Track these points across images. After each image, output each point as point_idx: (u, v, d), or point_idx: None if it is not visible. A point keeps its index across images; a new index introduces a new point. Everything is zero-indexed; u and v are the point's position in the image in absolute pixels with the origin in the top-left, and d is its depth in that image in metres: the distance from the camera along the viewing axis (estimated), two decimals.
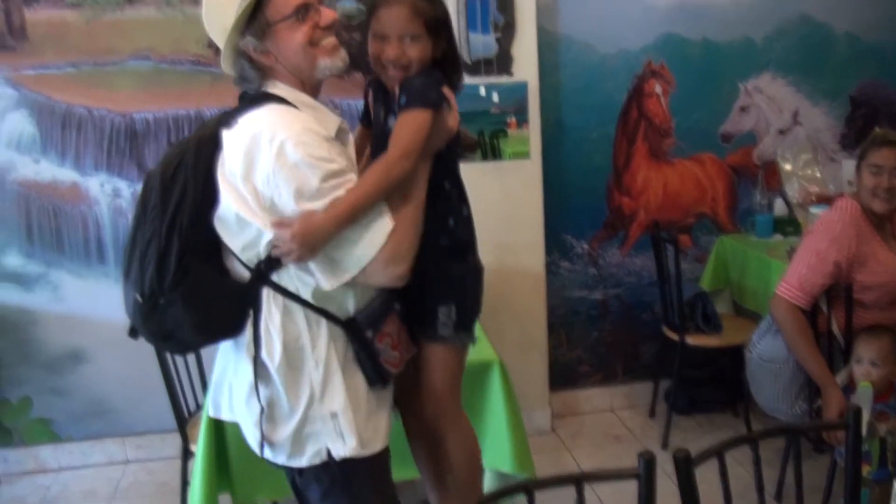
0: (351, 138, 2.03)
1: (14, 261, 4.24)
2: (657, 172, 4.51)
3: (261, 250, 1.83)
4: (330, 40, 1.90)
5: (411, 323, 2.10)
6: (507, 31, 4.12)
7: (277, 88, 1.90)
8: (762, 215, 4.38)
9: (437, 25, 2.02)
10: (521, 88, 4.15)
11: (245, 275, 1.88)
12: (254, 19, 1.84)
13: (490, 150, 4.17)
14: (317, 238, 1.77)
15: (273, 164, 1.76)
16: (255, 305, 1.88)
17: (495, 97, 4.13)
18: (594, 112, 4.43)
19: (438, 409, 2.25)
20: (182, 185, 1.82)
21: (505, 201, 4.19)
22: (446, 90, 2.02)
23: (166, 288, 1.80)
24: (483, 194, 4.02)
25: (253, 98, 1.91)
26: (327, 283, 1.85)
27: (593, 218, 4.51)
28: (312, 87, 1.95)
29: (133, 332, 1.94)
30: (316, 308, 1.88)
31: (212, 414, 2.15)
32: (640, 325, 4.63)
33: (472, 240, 2.22)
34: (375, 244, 1.84)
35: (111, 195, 4.23)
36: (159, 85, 4.07)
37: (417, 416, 2.30)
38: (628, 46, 4.40)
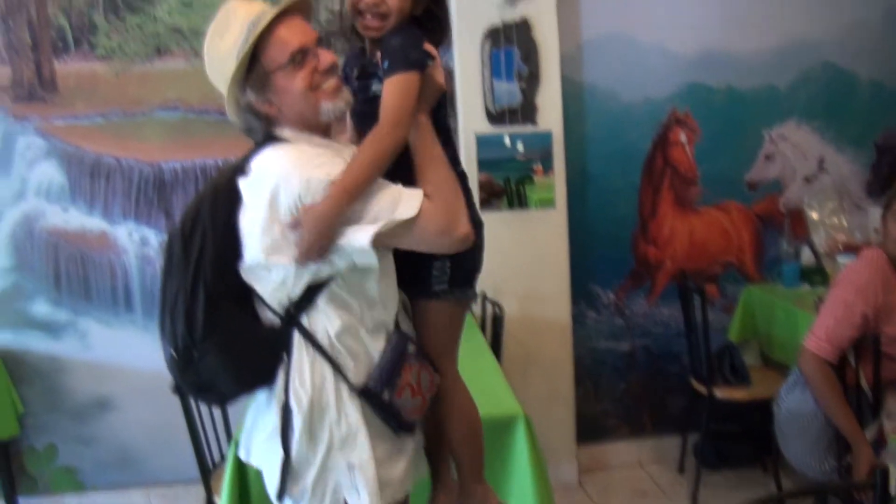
0: None
1: (42, 308, 4.30)
2: (683, 221, 4.53)
3: (290, 290, 1.84)
4: (331, 83, 1.88)
5: (404, 279, 2.02)
6: (531, 81, 4.18)
7: (284, 133, 1.90)
8: (789, 265, 4.37)
9: None
10: (546, 138, 4.20)
11: (276, 321, 1.89)
12: (251, 71, 1.84)
13: (516, 198, 4.21)
14: (325, 220, 1.76)
15: (297, 199, 1.77)
16: (287, 351, 1.87)
17: (520, 146, 4.18)
18: (619, 161, 4.47)
19: (448, 346, 2.14)
20: (201, 235, 1.83)
21: (530, 251, 4.23)
22: (428, 47, 1.95)
23: (198, 340, 1.81)
24: (508, 243, 4.10)
25: (261, 142, 1.91)
26: (359, 260, 1.83)
27: (619, 267, 4.54)
28: (321, 130, 1.93)
29: (177, 389, 1.96)
30: (333, 364, 1.86)
31: (242, 457, 2.13)
32: (668, 377, 4.62)
33: (468, 196, 2.06)
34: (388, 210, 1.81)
35: (139, 243, 4.29)
36: (187, 135, 4.15)
37: None
38: (653, 95, 4.44)
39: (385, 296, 1.93)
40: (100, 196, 4.26)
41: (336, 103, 1.88)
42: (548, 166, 4.21)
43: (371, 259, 1.81)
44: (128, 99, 4.17)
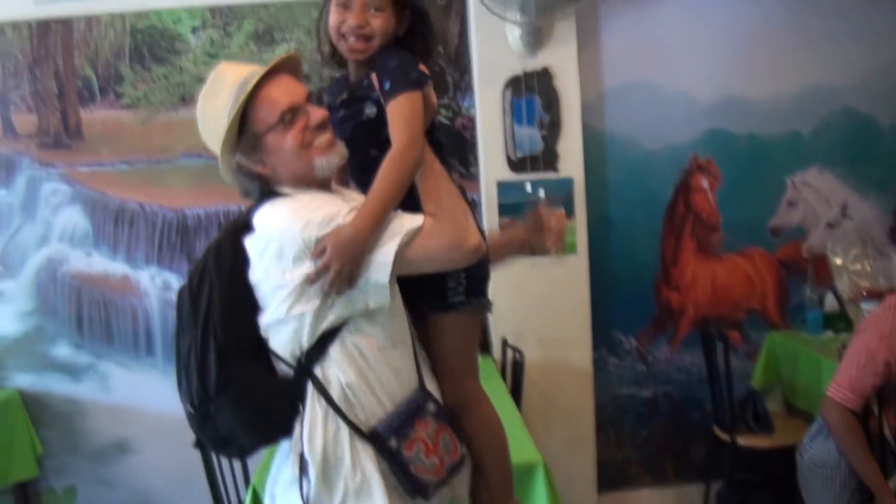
0: None
1: (64, 351, 4.37)
2: (706, 267, 4.55)
3: (303, 340, 1.83)
4: (323, 139, 1.87)
5: (416, 298, 2.00)
6: (552, 129, 4.23)
7: (283, 190, 1.89)
8: (813, 311, 4.35)
9: (403, 1, 1.98)
10: (567, 184, 4.24)
11: (290, 371, 1.87)
12: (242, 133, 1.85)
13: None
14: (353, 246, 1.75)
15: (302, 245, 1.77)
16: (302, 402, 1.86)
17: (541, 193, 4.22)
18: (641, 207, 4.50)
19: (456, 387, 2.08)
20: (208, 292, 1.83)
21: (551, 296, 4.24)
22: (423, 67, 1.97)
23: (213, 395, 1.81)
24: (529, 289, 4.13)
25: (260, 200, 1.90)
26: (374, 298, 1.83)
27: (641, 313, 4.55)
28: (319, 184, 1.91)
29: (198, 443, 1.97)
30: (344, 416, 1.85)
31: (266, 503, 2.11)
32: (691, 424, 4.60)
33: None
34: (399, 233, 1.80)
35: (161, 288, 4.36)
36: (210, 181, 4.20)
37: None
38: (674, 141, 4.48)
39: (398, 339, 1.92)
40: (123, 241, 4.34)
41: (330, 158, 1.88)
42: (570, 211, 4.25)
43: (385, 297, 1.81)
44: (152, 146, 4.27)
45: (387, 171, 1.81)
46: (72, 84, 4.28)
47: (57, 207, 4.32)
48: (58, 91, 4.29)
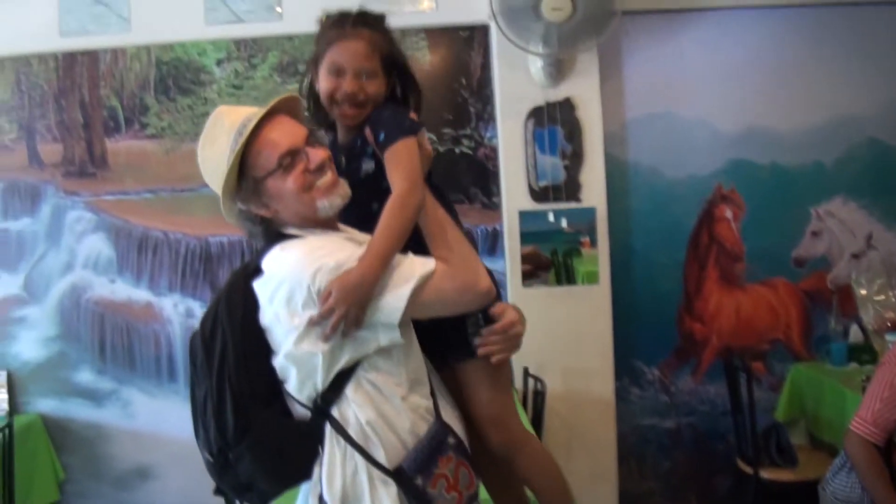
0: None
1: (86, 377, 4.44)
2: (729, 297, 4.56)
3: (318, 382, 1.81)
4: (324, 180, 1.84)
5: (436, 350, 2.00)
6: (574, 159, 4.27)
7: (289, 231, 1.89)
8: (837, 343, 4.35)
9: (392, 62, 2.01)
10: (590, 213, 4.28)
11: (307, 414, 1.86)
12: (242, 178, 1.83)
13: (564, 271, 4.29)
14: (359, 290, 1.74)
15: (310, 290, 1.76)
16: (321, 443, 1.84)
17: (564, 222, 4.25)
18: (664, 237, 4.53)
19: (502, 432, 2.08)
20: (221, 338, 1.82)
21: (573, 326, 4.27)
22: (414, 115, 2.00)
23: (231, 443, 1.81)
24: (551, 319, 4.16)
25: (268, 242, 1.90)
26: (385, 338, 1.82)
27: (664, 344, 4.56)
28: (324, 223, 1.90)
29: (219, 490, 1.97)
30: (367, 456, 1.83)
31: None
32: (714, 457, 4.59)
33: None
34: (412, 277, 1.80)
35: (184, 315, 4.42)
36: None
37: (485, 453, 2.09)
38: (697, 171, 4.51)
39: (415, 375, 1.90)
40: (147, 268, 4.41)
41: (332, 199, 1.85)
42: (592, 242, 4.29)
43: (396, 337, 1.80)
44: (177, 175, 4.35)
45: (389, 217, 1.82)
46: (97, 114, 4.38)
47: (81, 235, 4.39)
48: (83, 121, 4.40)
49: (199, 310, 4.38)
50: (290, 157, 1.82)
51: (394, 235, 1.80)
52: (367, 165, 1.98)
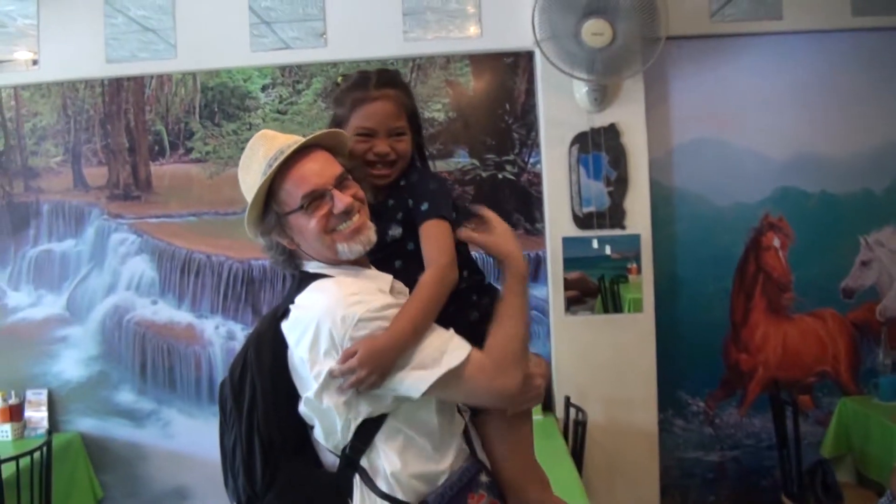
0: (403, 287, 1.91)
1: (127, 397, 4.51)
2: (776, 328, 4.54)
3: (343, 432, 1.79)
4: (349, 224, 1.82)
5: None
6: (619, 185, 4.29)
7: (312, 267, 1.89)
8: (886, 377, 4.32)
9: (415, 118, 2.05)
10: (635, 241, 4.29)
11: (336, 462, 1.84)
12: (266, 212, 1.83)
13: (610, 298, 4.30)
14: (384, 357, 1.72)
15: (333, 339, 1.75)
16: (350, 494, 1.81)
17: (608, 250, 4.27)
18: (710, 265, 4.51)
19: (520, 497, 2.04)
20: (251, 385, 1.81)
21: (616, 355, 4.28)
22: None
23: (260, 493, 1.80)
24: (594, 347, 4.19)
25: (297, 283, 1.90)
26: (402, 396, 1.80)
27: (709, 374, 4.54)
28: (348, 262, 1.88)
29: None
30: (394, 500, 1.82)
31: None
32: (759, 492, 4.56)
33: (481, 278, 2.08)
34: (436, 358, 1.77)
35: (225, 337, 4.48)
36: None
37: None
38: (745, 199, 4.50)
39: (446, 420, 1.87)
40: (189, 290, 4.47)
41: (353, 246, 1.83)
42: (637, 269, 4.30)
43: (416, 394, 1.76)
44: (220, 199, 4.43)
45: (428, 286, 1.83)
46: (143, 139, 4.47)
47: (125, 257, 4.48)
48: (128, 145, 4.49)
49: (240, 333, 4.45)
50: (315, 198, 1.80)
51: (429, 306, 1.80)
52: (395, 231, 1.98)
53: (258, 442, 1.79)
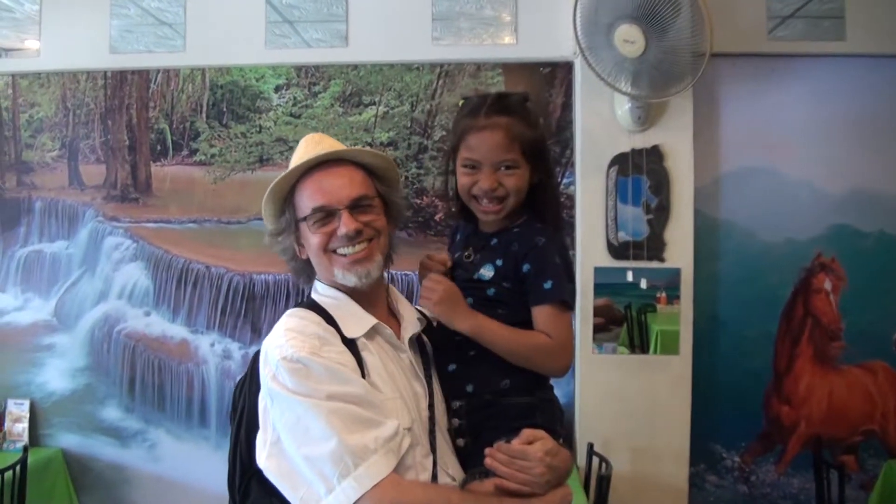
0: (389, 332, 1.86)
1: (113, 413, 4.40)
2: (822, 379, 4.36)
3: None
4: (352, 251, 1.81)
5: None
6: (660, 213, 4.12)
7: (318, 289, 1.89)
8: None
9: (536, 151, 1.92)
10: (674, 275, 4.11)
11: None
12: (285, 211, 1.86)
13: (636, 328, 4.12)
14: (456, 303, 1.84)
15: (266, 390, 1.71)
16: None
17: (643, 284, 4.09)
18: (755, 306, 4.35)
19: None
20: (240, 410, 1.84)
21: (647, 400, 4.12)
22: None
23: None
24: (623, 390, 4.06)
25: (296, 304, 1.89)
26: None
27: (747, 427, 4.37)
28: (357, 293, 1.86)
29: None
30: None
31: None
32: None
33: (536, 376, 1.94)
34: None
35: (221, 356, 4.36)
36: None
37: None
38: (795, 236, 4.34)
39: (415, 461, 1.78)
40: (185, 303, 4.37)
41: (347, 275, 1.82)
42: (673, 295, 4.12)
43: None
44: (224, 206, 4.31)
45: (535, 340, 1.84)
46: (144, 137, 4.37)
47: (118, 263, 4.38)
48: (129, 143, 4.39)
49: (237, 351, 4.34)
50: (320, 214, 1.82)
51: (517, 348, 1.84)
52: (487, 272, 1.92)
53: (239, 465, 1.81)
